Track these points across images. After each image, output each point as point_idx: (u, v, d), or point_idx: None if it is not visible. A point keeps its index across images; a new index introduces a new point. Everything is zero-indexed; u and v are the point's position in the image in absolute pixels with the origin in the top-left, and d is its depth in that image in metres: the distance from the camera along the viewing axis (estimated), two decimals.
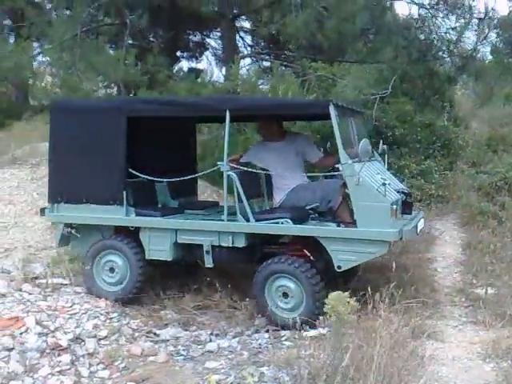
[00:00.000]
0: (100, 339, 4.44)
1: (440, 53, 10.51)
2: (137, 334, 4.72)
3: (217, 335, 4.82)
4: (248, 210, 5.00)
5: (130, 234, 5.48)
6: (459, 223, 8.28)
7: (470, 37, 10.70)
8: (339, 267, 4.77)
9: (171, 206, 6.10)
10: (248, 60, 12.36)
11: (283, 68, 9.06)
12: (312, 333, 4.43)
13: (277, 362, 3.98)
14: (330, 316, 3.49)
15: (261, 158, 5.69)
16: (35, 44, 11.00)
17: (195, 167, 6.66)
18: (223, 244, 5.12)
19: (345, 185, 4.93)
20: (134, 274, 5.34)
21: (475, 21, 10.63)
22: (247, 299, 5.16)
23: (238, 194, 5.00)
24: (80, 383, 3.95)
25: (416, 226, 4.99)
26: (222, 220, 5.09)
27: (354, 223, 4.82)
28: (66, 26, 9.06)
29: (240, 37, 12.55)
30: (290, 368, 3.83)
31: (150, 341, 4.64)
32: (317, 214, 5.27)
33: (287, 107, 5.32)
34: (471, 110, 15.64)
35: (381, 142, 5.72)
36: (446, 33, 10.42)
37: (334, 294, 3.52)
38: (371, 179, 4.81)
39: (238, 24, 11.57)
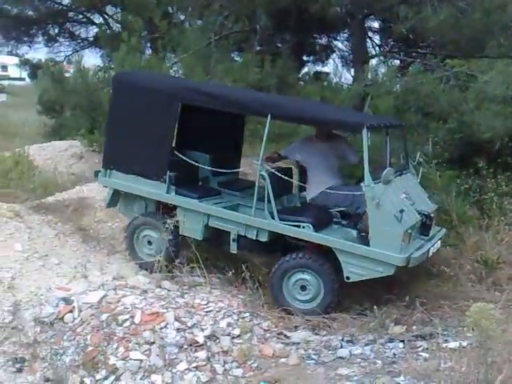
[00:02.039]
0: (233, 337, 4.54)
1: None
2: (268, 335, 4.77)
3: (348, 341, 4.71)
4: (274, 210, 5.31)
5: (168, 210, 5.91)
6: None
7: None
8: (348, 278, 5.06)
9: (211, 183, 6.51)
10: (375, 60, 12.02)
11: (417, 66, 8.67)
12: (452, 344, 4.19)
13: (413, 373, 3.80)
14: (472, 329, 3.28)
15: (302, 153, 5.98)
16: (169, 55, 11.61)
17: (240, 153, 6.99)
18: (248, 236, 5.51)
19: None
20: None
21: None
22: (375, 307, 4.97)
23: (268, 194, 5.30)
24: (215, 380, 4.08)
25: (428, 251, 5.17)
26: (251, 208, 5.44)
27: None
28: (200, 36, 9.49)
29: (368, 37, 12.27)
30: (428, 380, 3.64)
31: (280, 342, 4.67)
32: (341, 218, 5.60)
33: (325, 122, 5.59)
34: None
35: (418, 153, 5.92)
36: None
37: (476, 306, 3.28)
38: (392, 202, 4.95)
39: (366, 24, 11.29)
